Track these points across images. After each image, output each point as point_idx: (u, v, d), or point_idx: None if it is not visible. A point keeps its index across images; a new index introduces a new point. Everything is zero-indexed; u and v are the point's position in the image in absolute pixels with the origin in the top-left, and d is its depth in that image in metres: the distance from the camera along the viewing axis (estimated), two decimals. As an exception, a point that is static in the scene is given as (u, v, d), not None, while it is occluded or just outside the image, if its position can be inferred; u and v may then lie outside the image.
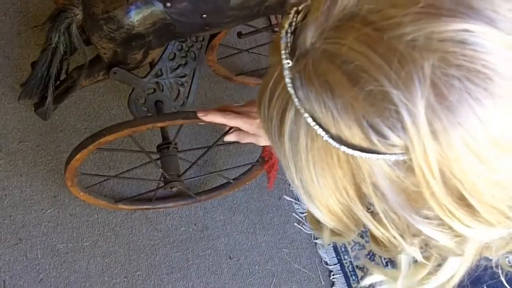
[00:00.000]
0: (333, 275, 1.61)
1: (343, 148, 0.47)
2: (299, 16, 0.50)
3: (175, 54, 1.44)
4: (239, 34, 1.68)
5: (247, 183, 1.56)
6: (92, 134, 1.21)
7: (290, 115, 0.49)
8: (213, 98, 1.73)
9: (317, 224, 0.59)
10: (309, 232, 1.65)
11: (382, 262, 1.61)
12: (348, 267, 1.62)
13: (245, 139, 1.14)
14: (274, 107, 0.51)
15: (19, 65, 1.65)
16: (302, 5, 0.50)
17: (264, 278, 1.57)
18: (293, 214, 1.66)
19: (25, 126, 1.60)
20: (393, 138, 0.44)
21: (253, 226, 1.63)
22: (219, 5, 1.17)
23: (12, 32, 1.70)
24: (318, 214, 0.54)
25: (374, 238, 0.55)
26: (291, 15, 0.50)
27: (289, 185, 1.70)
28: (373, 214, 0.52)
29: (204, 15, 1.19)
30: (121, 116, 1.64)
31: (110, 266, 1.50)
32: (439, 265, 0.57)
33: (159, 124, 1.20)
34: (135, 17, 1.20)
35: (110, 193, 1.57)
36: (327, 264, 1.62)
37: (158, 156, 1.39)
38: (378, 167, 0.47)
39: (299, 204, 1.67)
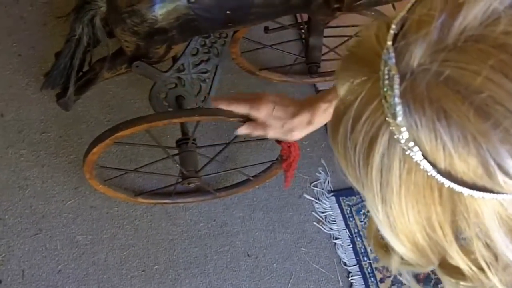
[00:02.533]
0: (351, 276, 1.59)
1: (452, 184, 0.42)
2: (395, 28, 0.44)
3: (197, 49, 1.43)
4: (266, 29, 1.66)
5: (267, 181, 1.55)
6: (109, 128, 1.20)
7: (382, 142, 0.44)
8: (235, 93, 1.72)
9: (384, 252, 0.54)
10: (329, 232, 1.63)
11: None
12: (367, 268, 1.60)
13: (255, 131, 1.12)
14: (360, 131, 0.45)
15: (44, 56, 1.66)
16: (401, 16, 0.45)
17: (282, 276, 1.56)
18: (313, 213, 1.65)
19: (48, 117, 1.61)
20: None
21: (272, 224, 1.61)
22: (243, 2, 1.16)
23: (38, 22, 1.71)
24: (400, 249, 0.49)
25: (452, 269, 0.50)
26: (394, 26, 0.44)
27: (310, 183, 1.68)
28: (463, 246, 0.48)
29: (228, 12, 1.18)
30: (144, 109, 1.64)
31: (129, 259, 1.50)
32: None
33: (175, 120, 1.19)
34: (159, 11, 1.19)
35: (130, 186, 1.57)
36: (345, 265, 1.60)
37: (177, 151, 1.38)
38: (489, 207, 0.43)
39: (319, 203, 1.66)
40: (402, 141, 0.42)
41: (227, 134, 1.67)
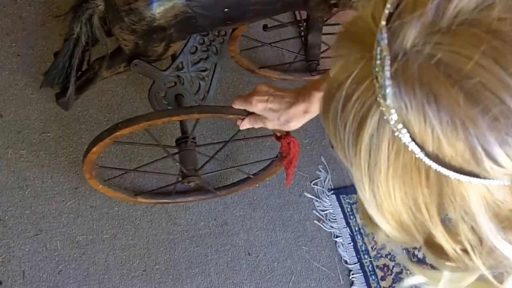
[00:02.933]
0: (352, 274, 1.58)
1: (439, 167, 0.42)
2: (390, 7, 0.44)
3: (196, 47, 1.42)
4: (265, 27, 1.65)
5: (267, 178, 1.54)
6: (108, 127, 1.20)
7: (372, 122, 0.44)
8: (235, 92, 1.71)
9: (372, 224, 0.54)
10: (329, 230, 1.62)
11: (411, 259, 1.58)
12: (368, 266, 1.60)
13: (255, 125, 1.12)
14: (350, 111, 0.45)
15: (43, 56, 1.66)
16: None
17: (283, 275, 1.55)
18: (313, 211, 1.64)
19: (47, 117, 1.60)
20: (510, 166, 0.40)
21: (272, 223, 1.61)
22: (241, 0, 1.16)
23: (36, 22, 1.71)
24: (385, 227, 0.50)
25: (437, 249, 0.50)
26: (389, 5, 0.43)
27: (310, 182, 1.68)
28: (448, 228, 0.48)
29: (226, 9, 1.17)
30: (143, 108, 1.63)
31: (129, 259, 1.50)
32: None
33: (174, 118, 1.19)
34: (157, 9, 1.19)
35: (130, 186, 1.57)
36: (346, 263, 1.60)
37: (176, 150, 1.38)
38: (475, 191, 0.43)
39: (320, 202, 1.65)
40: (392, 123, 0.42)
41: (227, 133, 1.66)
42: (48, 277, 1.44)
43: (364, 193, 0.48)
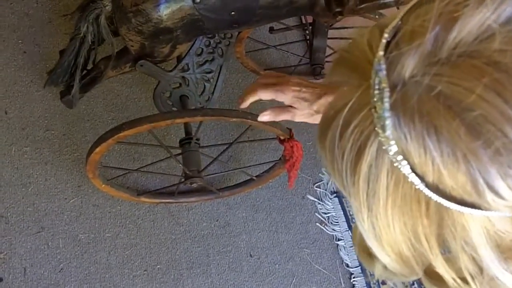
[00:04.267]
0: (354, 277, 1.58)
1: (439, 198, 0.42)
2: (387, 36, 0.43)
3: (202, 49, 1.42)
4: (271, 29, 1.66)
5: (270, 181, 1.55)
6: (111, 128, 1.20)
7: (370, 152, 0.43)
8: (240, 93, 1.70)
9: (369, 257, 0.53)
10: (331, 233, 1.63)
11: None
12: (369, 271, 1.60)
13: (280, 116, 1.10)
14: (348, 139, 0.44)
15: (49, 53, 1.66)
16: (394, 24, 0.43)
17: (284, 277, 1.56)
18: (316, 214, 1.64)
19: (52, 114, 1.61)
20: None
21: (275, 225, 1.61)
22: (248, 3, 1.16)
23: (43, 20, 1.71)
24: (384, 259, 0.49)
25: (437, 278, 0.50)
26: (386, 34, 0.43)
27: (313, 184, 1.68)
28: (448, 258, 0.47)
29: (232, 13, 1.18)
30: (148, 108, 1.64)
31: (131, 259, 1.50)
32: None
33: (179, 121, 1.19)
34: (164, 11, 1.19)
35: (133, 185, 1.57)
36: (348, 266, 1.60)
37: (180, 151, 1.38)
38: (476, 222, 0.42)
39: (322, 204, 1.65)
40: (391, 153, 0.42)
41: (231, 134, 1.67)
42: (50, 275, 1.45)
43: (363, 224, 0.47)
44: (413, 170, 0.41)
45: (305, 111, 1.07)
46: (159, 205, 1.56)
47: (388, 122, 0.41)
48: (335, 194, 1.67)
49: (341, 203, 1.66)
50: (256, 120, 1.24)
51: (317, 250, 1.61)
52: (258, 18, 1.18)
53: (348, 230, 1.63)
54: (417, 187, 0.42)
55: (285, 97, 1.04)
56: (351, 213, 1.66)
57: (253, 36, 1.62)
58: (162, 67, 1.38)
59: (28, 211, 1.50)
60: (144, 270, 1.50)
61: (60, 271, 1.46)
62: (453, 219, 0.43)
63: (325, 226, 1.63)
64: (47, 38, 1.68)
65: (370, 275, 1.60)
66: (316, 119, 1.11)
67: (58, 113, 1.61)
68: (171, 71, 1.41)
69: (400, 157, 0.41)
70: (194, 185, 1.39)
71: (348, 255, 1.61)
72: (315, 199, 1.66)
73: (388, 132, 0.41)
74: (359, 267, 1.60)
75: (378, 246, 0.47)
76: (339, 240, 1.62)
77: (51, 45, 1.67)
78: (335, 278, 1.58)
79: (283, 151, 1.34)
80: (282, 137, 1.31)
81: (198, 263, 1.53)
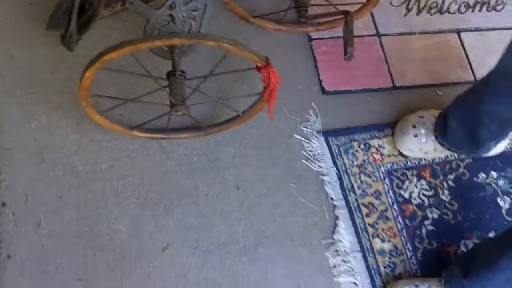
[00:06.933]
0: (337, 209, 1.66)
1: None
2: None
3: (187, -13, 1.52)
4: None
5: (255, 115, 1.62)
6: (98, 53, 1.31)
7: None
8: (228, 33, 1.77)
9: None
10: (317, 169, 1.70)
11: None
12: (353, 203, 1.67)
13: None
14: None
15: (54, 5, 1.77)
16: None
17: (270, 209, 1.64)
18: (302, 151, 1.72)
19: (55, 58, 1.73)
20: None
21: (262, 161, 1.70)
22: None
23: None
24: None
25: None
26: None
27: (300, 124, 1.76)
28: None
29: None
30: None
31: (125, 188, 1.60)
32: None
33: (157, 43, 1.29)
34: None
35: (126, 120, 1.67)
36: (332, 199, 1.67)
37: (167, 83, 1.48)
38: None
39: (309, 143, 1.73)
40: None
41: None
42: (49, 202, 1.56)
43: None
44: None
45: None
46: (152, 140, 1.66)
47: None
48: (321, 133, 1.75)
49: (327, 141, 1.74)
50: (232, 44, 1.35)
51: (303, 185, 1.69)
52: None
53: (333, 167, 1.71)
54: None
55: None
56: (336, 151, 1.73)
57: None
58: (150, 5, 1.48)
59: (30, 144, 1.61)
60: (137, 199, 1.60)
61: (59, 198, 1.57)
62: None
63: (311, 163, 1.71)
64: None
65: (354, 208, 1.67)
66: None
67: (62, 58, 1.72)
68: (158, 9, 1.50)
69: None
70: (179, 114, 1.48)
71: (332, 189, 1.68)
72: (302, 138, 1.74)
73: None
74: (343, 200, 1.67)
75: None
76: (324, 175, 1.70)
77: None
78: (319, 210, 1.66)
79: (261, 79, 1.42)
80: (259, 65, 1.40)
81: (188, 193, 1.62)
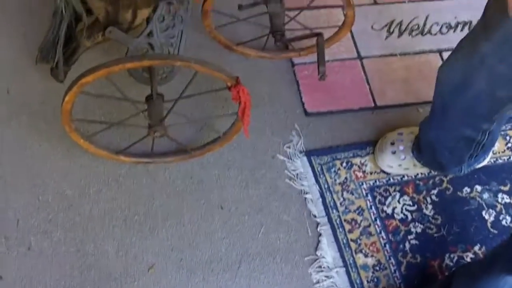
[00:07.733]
0: (320, 226, 1.68)
1: None
2: None
3: (164, 16, 1.60)
4: (240, 7, 1.81)
5: (235, 135, 1.67)
6: (75, 78, 1.39)
7: None
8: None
9: None
10: (300, 188, 1.74)
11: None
12: (335, 220, 1.70)
13: None
14: None
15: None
16: None
17: (253, 227, 1.68)
18: (285, 171, 1.77)
19: (47, 90, 1.82)
20: None
21: (245, 181, 1.74)
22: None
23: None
24: None
25: None
26: None
27: (283, 145, 1.81)
28: None
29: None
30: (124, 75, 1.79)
31: (112, 210, 1.66)
32: None
33: (128, 65, 1.36)
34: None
35: (110, 145, 1.74)
36: (315, 217, 1.70)
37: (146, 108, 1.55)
38: None
39: (291, 162, 1.78)
40: None
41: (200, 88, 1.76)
42: (39, 225, 1.62)
43: None
44: None
45: None
46: (138, 164, 1.73)
47: None
48: (303, 153, 1.79)
49: (309, 160, 1.78)
50: (199, 64, 1.42)
51: (285, 204, 1.72)
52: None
53: (315, 184, 1.75)
54: None
55: None
56: (319, 169, 1.77)
57: (221, 10, 1.78)
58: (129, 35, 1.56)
59: (23, 172, 1.69)
60: (123, 220, 1.65)
61: (49, 221, 1.63)
62: None
63: (294, 182, 1.75)
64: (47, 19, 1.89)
65: (337, 225, 1.69)
66: None
67: (53, 89, 1.81)
68: (138, 37, 1.59)
69: None
70: (157, 134, 1.55)
71: (315, 206, 1.72)
72: (285, 158, 1.79)
73: None
74: (326, 217, 1.70)
75: None
76: (306, 193, 1.73)
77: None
78: (302, 228, 1.69)
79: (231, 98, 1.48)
80: (229, 84, 1.46)
81: (173, 214, 1.68)
